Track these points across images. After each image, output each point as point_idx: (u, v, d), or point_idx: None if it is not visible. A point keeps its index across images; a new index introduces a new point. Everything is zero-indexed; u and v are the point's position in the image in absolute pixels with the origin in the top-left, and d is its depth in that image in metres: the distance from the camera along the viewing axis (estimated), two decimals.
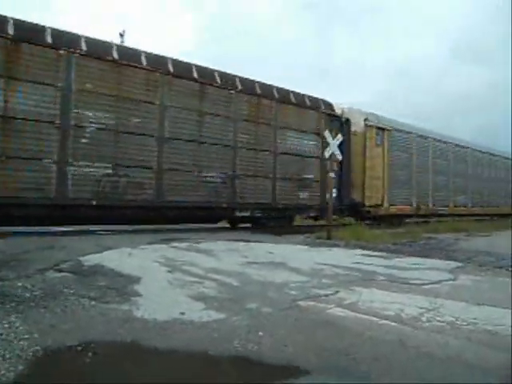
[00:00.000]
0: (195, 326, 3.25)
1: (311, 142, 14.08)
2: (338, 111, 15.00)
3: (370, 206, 15.87)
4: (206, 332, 3.12)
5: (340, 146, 11.60)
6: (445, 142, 20.66)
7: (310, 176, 14.07)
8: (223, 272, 5.38)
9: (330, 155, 11.08)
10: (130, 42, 34.47)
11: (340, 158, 11.47)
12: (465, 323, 3.45)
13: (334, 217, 13.25)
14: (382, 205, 16.35)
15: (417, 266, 6.47)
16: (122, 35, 34.12)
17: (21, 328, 3.05)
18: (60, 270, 5.12)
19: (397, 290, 4.67)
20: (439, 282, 5.15)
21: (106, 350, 2.83)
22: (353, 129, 15.35)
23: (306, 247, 8.73)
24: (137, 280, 4.73)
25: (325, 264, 6.25)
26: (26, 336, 2.89)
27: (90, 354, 2.68)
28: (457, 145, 21.54)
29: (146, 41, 62.44)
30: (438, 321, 3.50)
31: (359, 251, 8.16)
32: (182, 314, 3.53)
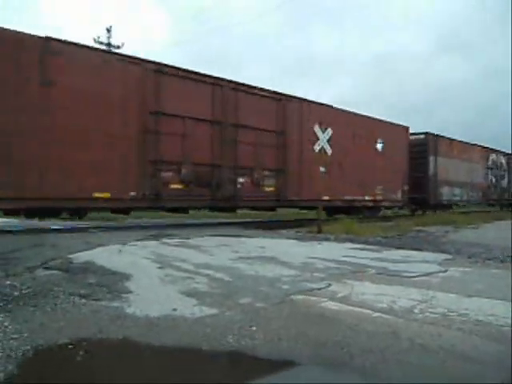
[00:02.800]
0: (188, 322, 3.22)
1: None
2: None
3: None
4: (199, 328, 3.10)
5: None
6: None
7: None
8: (214, 267, 5.35)
9: (320, 149, 11.06)
10: (115, 38, 34.13)
11: (330, 152, 11.46)
12: (456, 314, 3.46)
13: None
14: None
15: (407, 258, 6.50)
16: (109, 30, 33.91)
17: (10, 327, 2.99)
18: (49, 268, 5.05)
19: (388, 282, 4.68)
20: (430, 274, 5.18)
21: (98, 347, 2.80)
22: None
23: (297, 241, 8.73)
24: (127, 277, 4.68)
25: (316, 258, 6.25)
26: (16, 335, 2.84)
27: (81, 352, 2.64)
28: None
29: (127, 36, 62.47)
30: (431, 312, 3.51)
31: (350, 245, 8.18)
32: (174, 310, 3.50)
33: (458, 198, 22.75)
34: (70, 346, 2.72)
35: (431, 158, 20.35)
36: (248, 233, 10.29)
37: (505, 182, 28.03)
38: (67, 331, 2.98)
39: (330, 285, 4.44)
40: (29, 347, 2.66)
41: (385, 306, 3.70)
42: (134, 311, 3.47)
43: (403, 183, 18.02)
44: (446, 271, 5.39)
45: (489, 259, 6.46)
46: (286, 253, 6.77)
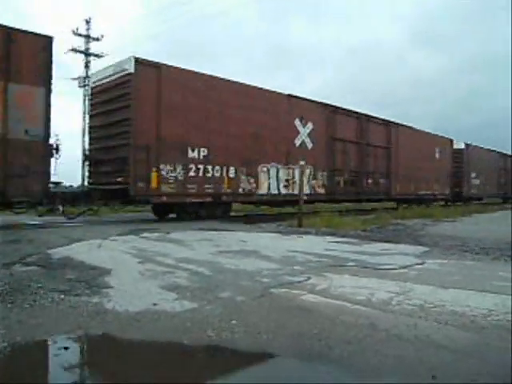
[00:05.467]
0: (168, 316, 3.22)
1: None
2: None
3: None
4: (180, 322, 3.11)
5: None
6: None
7: None
8: (195, 261, 5.35)
9: (301, 143, 11.10)
10: (94, 30, 33.51)
11: (310, 145, 11.51)
12: (433, 306, 3.54)
13: None
14: None
15: (386, 251, 6.60)
16: (88, 22, 33.31)
17: None
18: (28, 264, 4.99)
19: (367, 275, 4.75)
20: (408, 266, 5.27)
21: (78, 343, 2.79)
22: None
23: (278, 235, 8.78)
24: (107, 272, 4.66)
25: (296, 251, 6.31)
26: None
27: (60, 348, 2.63)
28: None
29: (104, 28, 61.73)
30: (408, 304, 3.59)
31: (330, 238, 8.26)
32: (155, 304, 3.50)
33: None
34: (49, 343, 2.71)
35: None
36: (229, 227, 10.30)
37: None
38: (45, 327, 2.96)
39: (309, 278, 4.49)
40: (6, 344, 2.63)
41: (363, 298, 3.76)
42: (113, 306, 3.46)
43: None
44: (423, 263, 5.50)
45: (465, 251, 6.61)
46: (267, 246, 6.81)
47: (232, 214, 15.06)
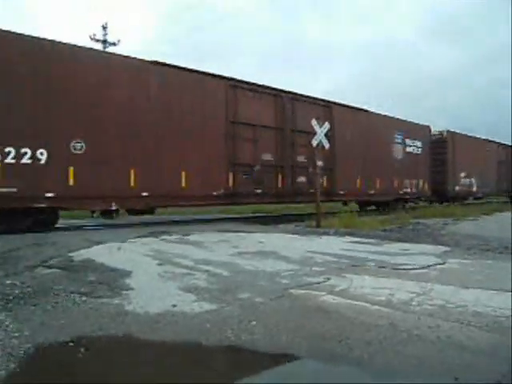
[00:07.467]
0: (187, 318, 3.24)
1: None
2: None
3: None
4: (199, 323, 3.12)
5: None
6: None
7: None
8: (214, 263, 5.37)
9: (318, 143, 11.06)
10: (111, 35, 33.93)
11: (327, 146, 11.46)
12: (454, 306, 3.49)
13: None
14: None
15: (406, 251, 6.52)
16: (104, 28, 33.78)
17: (11, 326, 3.02)
18: (49, 267, 5.08)
19: (387, 275, 4.71)
20: (428, 266, 5.20)
21: (99, 344, 2.82)
22: None
23: (297, 236, 8.75)
24: (127, 274, 4.70)
25: (315, 252, 6.28)
26: (17, 334, 2.87)
27: (82, 349, 2.67)
28: None
29: (120, 33, 62.54)
30: (429, 304, 3.54)
31: (349, 238, 8.20)
32: (174, 306, 3.53)
33: None
34: (71, 344, 2.75)
35: None
36: (247, 228, 10.31)
37: None
38: (68, 329, 3.00)
39: (328, 279, 4.46)
40: (30, 345, 2.68)
41: (383, 298, 3.73)
42: (134, 308, 3.49)
43: None
44: (444, 263, 5.42)
45: (487, 250, 6.49)
46: (285, 247, 6.80)
47: (250, 215, 15.11)
